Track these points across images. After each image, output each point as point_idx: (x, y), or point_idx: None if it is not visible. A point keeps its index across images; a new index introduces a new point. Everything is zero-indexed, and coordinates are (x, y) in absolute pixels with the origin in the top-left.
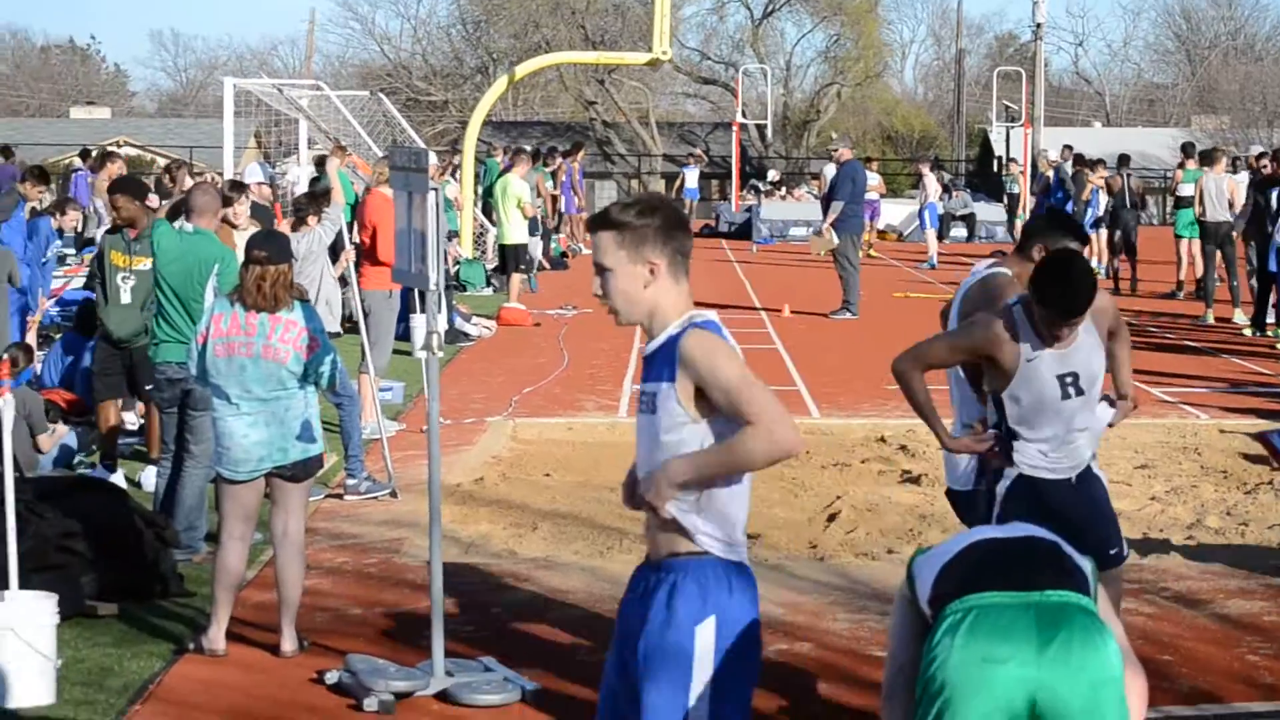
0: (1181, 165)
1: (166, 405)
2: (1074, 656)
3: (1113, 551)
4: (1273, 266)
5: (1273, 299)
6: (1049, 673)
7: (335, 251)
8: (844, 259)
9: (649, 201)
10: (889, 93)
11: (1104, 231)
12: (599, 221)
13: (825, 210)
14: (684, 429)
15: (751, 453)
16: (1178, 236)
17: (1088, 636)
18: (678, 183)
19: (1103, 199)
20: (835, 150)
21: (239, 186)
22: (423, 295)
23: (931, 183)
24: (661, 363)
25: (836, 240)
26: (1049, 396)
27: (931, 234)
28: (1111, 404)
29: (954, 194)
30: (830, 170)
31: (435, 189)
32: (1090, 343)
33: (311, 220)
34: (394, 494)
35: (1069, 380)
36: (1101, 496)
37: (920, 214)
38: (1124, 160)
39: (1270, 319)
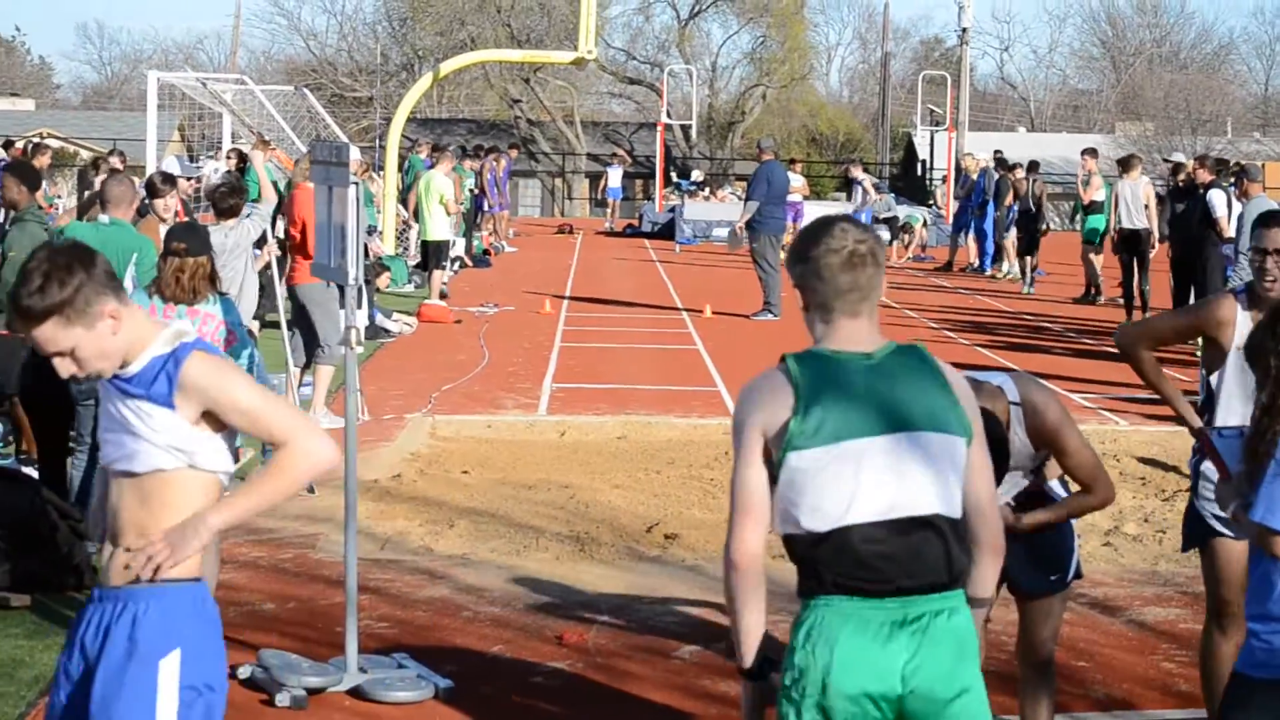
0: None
1: (84, 397)
2: (942, 669)
3: (1054, 578)
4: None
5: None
6: (917, 683)
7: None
8: (763, 260)
9: (55, 263)
10: (814, 95)
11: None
12: (32, 318)
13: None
14: (160, 450)
15: (296, 478)
16: (1087, 242)
17: (957, 648)
18: (601, 182)
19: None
20: (761, 151)
21: (169, 180)
22: (342, 290)
23: (870, 186)
24: (149, 383)
25: (745, 239)
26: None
27: None
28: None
29: (879, 197)
30: None
31: (355, 183)
32: None
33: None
34: (310, 489)
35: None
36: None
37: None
38: (1033, 166)
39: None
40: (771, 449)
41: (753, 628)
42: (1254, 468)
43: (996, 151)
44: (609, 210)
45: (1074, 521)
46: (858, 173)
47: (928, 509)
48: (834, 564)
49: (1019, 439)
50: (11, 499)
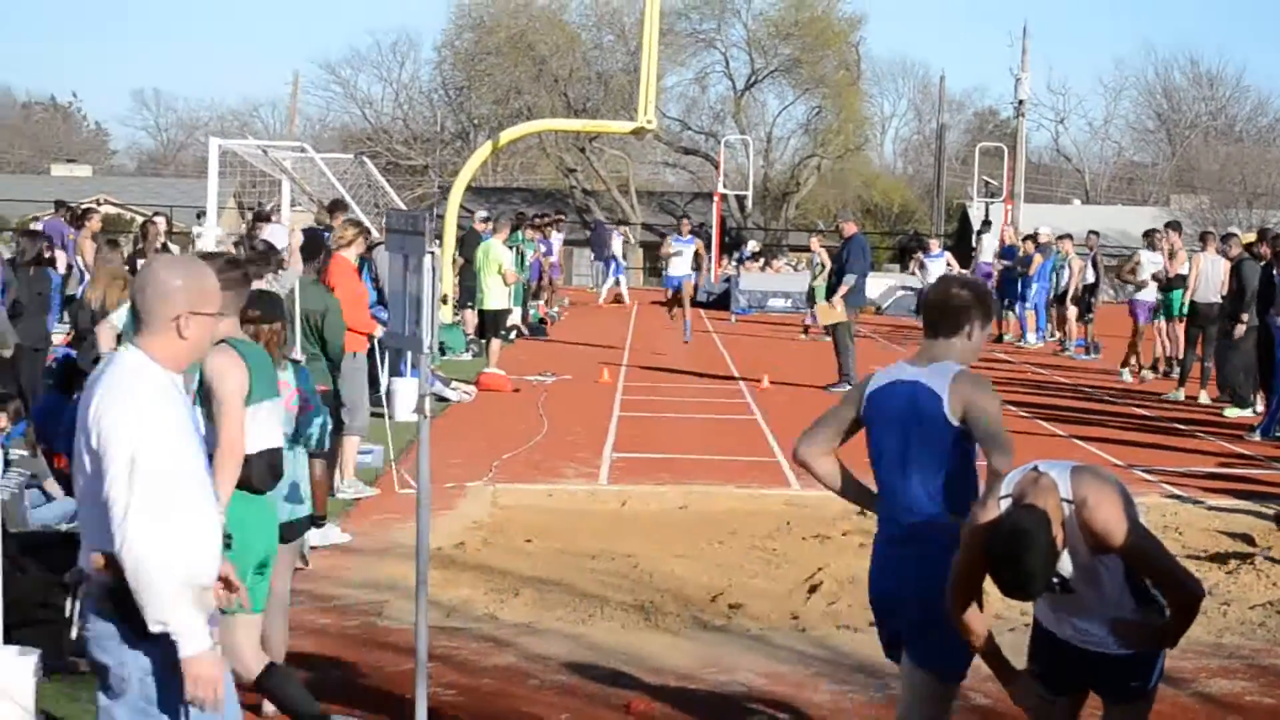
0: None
1: None
2: None
3: (1134, 685)
4: None
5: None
6: None
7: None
8: (844, 332)
9: None
10: (869, 166)
11: (1072, 308)
12: None
13: (834, 283)
14: None
15: None
16: (1170, 318)
17: None
18: (605, 252)
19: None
20: (841, 223)
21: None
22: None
23: (952, 259)
24: None
25: (845, 314)
26: None
27: None
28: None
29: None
30: None
31: (431, 252)
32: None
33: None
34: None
35: (1054, 581)
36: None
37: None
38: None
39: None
40: None
41: None
42: None
43: (1066, 236)
44: (610, 284)
45: None
46: (936, 244)
47: None
48: None
49: (1075, 543)
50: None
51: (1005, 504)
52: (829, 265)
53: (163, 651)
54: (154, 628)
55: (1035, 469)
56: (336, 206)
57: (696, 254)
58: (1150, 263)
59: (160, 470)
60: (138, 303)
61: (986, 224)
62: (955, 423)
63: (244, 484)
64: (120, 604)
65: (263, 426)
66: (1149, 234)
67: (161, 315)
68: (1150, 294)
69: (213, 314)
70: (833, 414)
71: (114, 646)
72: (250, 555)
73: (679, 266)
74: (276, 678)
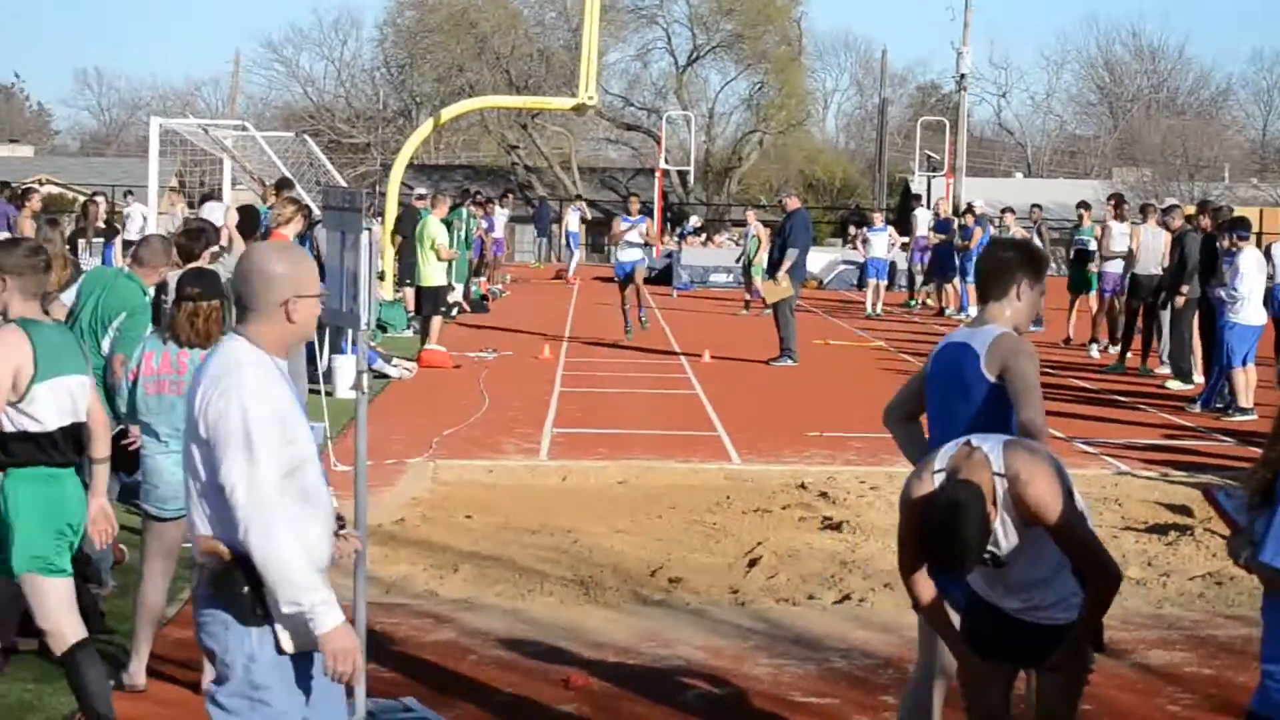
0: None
1: None
2: None
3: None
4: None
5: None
6: None
7: None
8: (787, 308)
9: None
10: (811, 141)
11: None
12: None
13: (776, 258)
14: None
15: None
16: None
17: None
18: (561, 226)
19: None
20: (783, 199)
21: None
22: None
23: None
24: None
25: (792, 289)
26: None
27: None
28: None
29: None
30: None
31: (368, 229)
32: (1013, 529)
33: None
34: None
35: (986, 556)
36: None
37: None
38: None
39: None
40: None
41: None
42: (1261, 513)
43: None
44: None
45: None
46: (879, 218)
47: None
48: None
49: (1007, 517)
50: None
51: (939, 478)
52: (764, 240)
53: (266, 639)
54: (286, 609)
55: (969, 443)
56: (283, 185)
57: (647, 239)
58: (1120, 233)
59: (276, 454)
60: (241, 292)
61: (918, 198)
62: (991, 378)
63: (46, 460)
64: (225, 590)
65: (59, 401)
66: (1084, 205)
67: (270, 301)
68: (1116, 266)
69: (316, 295)
70: (912, 378)
71: (220, 633)
72: (47, 528)
73: (630, 252)
74: (85, 658)
